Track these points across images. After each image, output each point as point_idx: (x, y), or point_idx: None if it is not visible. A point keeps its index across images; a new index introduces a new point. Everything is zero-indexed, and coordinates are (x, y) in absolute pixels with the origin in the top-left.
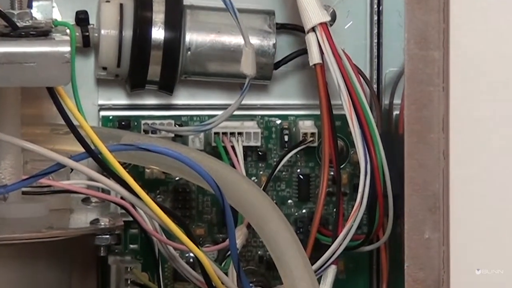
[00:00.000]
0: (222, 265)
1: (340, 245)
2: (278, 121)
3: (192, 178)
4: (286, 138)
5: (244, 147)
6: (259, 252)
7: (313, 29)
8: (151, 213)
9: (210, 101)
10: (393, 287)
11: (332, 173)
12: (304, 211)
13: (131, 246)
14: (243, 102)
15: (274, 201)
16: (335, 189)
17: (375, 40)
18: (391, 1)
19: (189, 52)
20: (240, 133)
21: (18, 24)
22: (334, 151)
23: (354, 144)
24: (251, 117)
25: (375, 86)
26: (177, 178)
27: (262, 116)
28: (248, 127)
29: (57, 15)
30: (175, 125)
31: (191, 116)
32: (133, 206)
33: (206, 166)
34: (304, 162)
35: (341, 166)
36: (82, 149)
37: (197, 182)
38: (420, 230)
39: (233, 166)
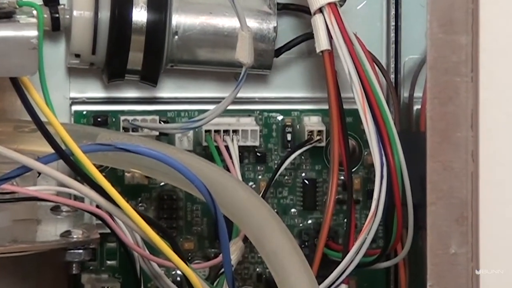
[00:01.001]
0: (214, 284)
1: (352, 261)
2: (280, 117)
3: (179, 183)
4: (289, 136)
5: (240, 147)
6: (257, 269)
7: (320, 10)
8: (132, 224)
9: (201, 93)
10: None
11: (342, 177)
12: (309, 221)
13: (108, 262)
14: (239, 95)
15: (275, 210)
16: (346, 196)
17: (393, 23)
18: None
19: (176, 37)
20: (235, 131)
21: None
22: (344, 152)
23: (368, 144)
24: (248, 113)
25: (392, 76)
26: (161, 184)
27: (261, 111)
28: (245, 124)
29: None
30: (159, 122)
31: (178, 111)
32: (111, 216)
33: (196, 169)
34: (310, 164)
35: (353, 170)
36: (51, 150)
37: (185, 188)
38: (445, 244)
39: (227, 170)
